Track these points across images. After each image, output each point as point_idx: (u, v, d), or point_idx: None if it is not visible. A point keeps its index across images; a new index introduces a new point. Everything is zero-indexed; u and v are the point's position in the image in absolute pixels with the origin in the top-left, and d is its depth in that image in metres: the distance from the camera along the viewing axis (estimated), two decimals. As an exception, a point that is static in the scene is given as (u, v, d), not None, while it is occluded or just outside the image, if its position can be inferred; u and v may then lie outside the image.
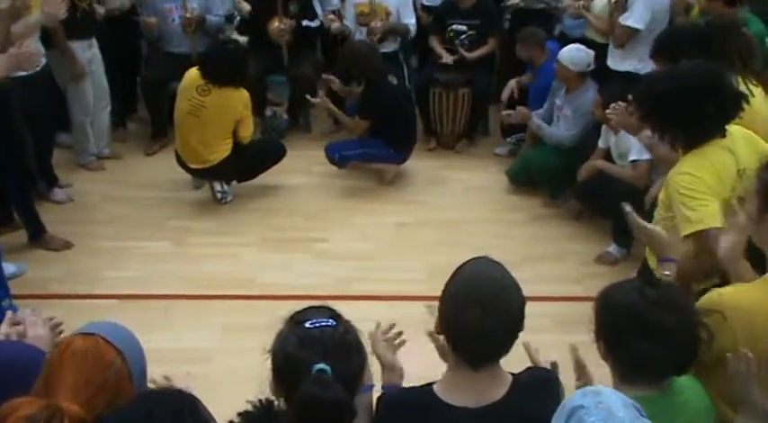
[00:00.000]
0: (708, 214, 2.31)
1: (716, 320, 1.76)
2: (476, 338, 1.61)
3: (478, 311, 1.58)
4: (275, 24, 5.38)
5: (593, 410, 1.35)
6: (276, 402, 1.52)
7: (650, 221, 2.38)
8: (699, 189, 2.33)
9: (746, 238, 2.02)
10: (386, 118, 4.84)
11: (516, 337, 1.65)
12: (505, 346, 1.64)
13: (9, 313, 2.05)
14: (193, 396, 1.49)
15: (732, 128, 2.45)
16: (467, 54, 5.41)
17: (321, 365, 1.47)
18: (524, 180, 4.99)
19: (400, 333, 2.04)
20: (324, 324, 1.56)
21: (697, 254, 2.29)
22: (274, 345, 1.57)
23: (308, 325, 1.56)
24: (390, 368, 1.94)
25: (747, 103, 2.44)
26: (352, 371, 1.54)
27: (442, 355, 1.94)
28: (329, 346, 1.52)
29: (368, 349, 1.88)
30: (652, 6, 4.48)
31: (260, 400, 1.49)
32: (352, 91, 5.16)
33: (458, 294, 1.64)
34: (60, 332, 2.02)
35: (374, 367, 1.86)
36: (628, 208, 2.23)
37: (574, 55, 4.67)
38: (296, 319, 1.60)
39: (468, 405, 1.65)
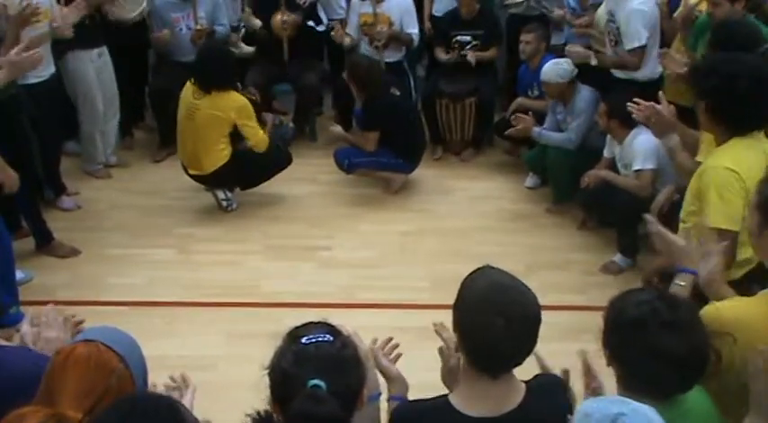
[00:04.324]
0: (734, 217, 2.39)
1: (726, 343, 1.75)
2: (499, 348, 1.61)
3: (501, 321, 1.59)
4: (278, 17, 5.40)
5: (634, 416, 1.36)
6: (275, 415, 1.52)
7: (674, 228, 2.40)
8: (735, 188, 2.40)
9: (729, 262, 2.04)
10: (390, 129, 4.84)
11: (536, 342, 1.65)
12: (526, 353, 1.64)
13: (31, 310, 2.06)
14: (174, 399, 1.49)
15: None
16: (470, 56, 5.38)
17: (315, 381, 1.46)
18: (537, 166, 5.04)
19: (397, 345, 2.02)
20: (320, 340, 1.55)
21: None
22: (271, 361, 1.57)
23: (304, 341, 1.55)
24: (395, 380, 1.94)
25: None
26: (349, 386, 1.53)
27: (448, 375, 1.92)
28: (325, 361, 1.52)
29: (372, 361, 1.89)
30: (643, 23, 4.45)
31: (258, 413, 1.49)
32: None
33: (478, 306, 1.64)
34: (80, 331, 2.01)
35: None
36: (650, 217, 2.25)
37: (557, 70, 4.71)
38: (293, 335, 1.60)
39: (487, 414, 1.65)
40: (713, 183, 2.42)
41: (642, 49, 4.43)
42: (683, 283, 2.03)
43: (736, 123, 2.51)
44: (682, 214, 2.65)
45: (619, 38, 4.53)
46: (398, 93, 4.94)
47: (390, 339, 2.02)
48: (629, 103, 3.04)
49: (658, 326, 1.64)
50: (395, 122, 4.84)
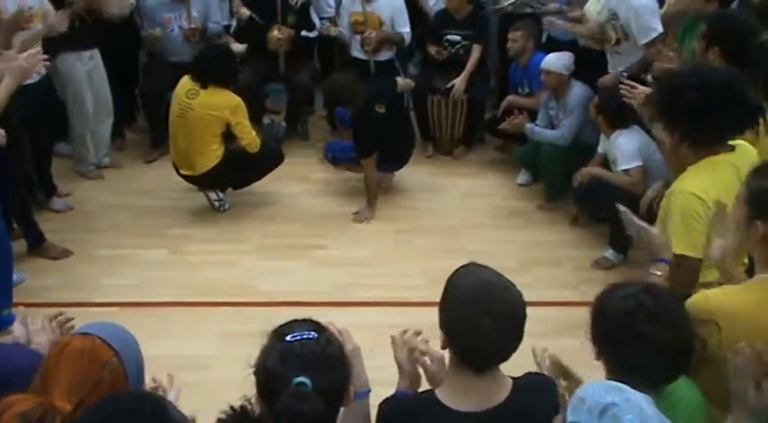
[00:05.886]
0: (696, 244, 2.27)
1: (710, 331, 1.76)
2: (485, 345, 1.62)
3: (487, 320, 1.60)
4: (274, 33, 5.41)
5: (626, 407, 1.36)
6: (251, 408, 1.51)
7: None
8: (699, 215, 2.27)
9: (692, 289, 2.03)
10: (379, 146, 4.76)
11: (522, 337, 1.66)
12: (513, 349, 1.65)
13: (22, 310, 2.07)
14: (162, 399, 1.48)
15: (745, 146, 2.42)
16: (457, 95, 5.35)
17: (301, 379, 1.46)
18: (529, 163, 5.07)
19: (426, 341, 1.96)
20: (305, 337, 1.56)
21: (673, 275, 2.26)
22: (257, 359, 1.57)
23: (288, 338, 1.56)
24: (407, 375, 1.92)
25: (764, 118, 2.38)
26: (334, 383, 1.53)
27: (432, 378, 1.91)
28: (309, 359, 1.52)
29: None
30: (653, 15, 4.41)
31: (232, 407, 1.48)
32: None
33: (463, 305, 1.65)
34: (71, 328, 2.02)
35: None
36: (623, 208, 2.23)
37: (563, 61, 4.75)
38: (278, 333, 1.60)
39: (473, 409, 1.66)
40: (677, 208, 2.31)
41: (661, 35, 4.35)
42: (659, 273, 2.04)
43: (692, 140, 2.33)
44: (657, 224, 2.60)
45: (625, 35, 4.50)
46: (383, 109, 4.77)
47: (419, 333, 1.97)
48: (620, 85, 3.02)
49: (644, 317, 1.65)
50: (381, 141, 4.74)
